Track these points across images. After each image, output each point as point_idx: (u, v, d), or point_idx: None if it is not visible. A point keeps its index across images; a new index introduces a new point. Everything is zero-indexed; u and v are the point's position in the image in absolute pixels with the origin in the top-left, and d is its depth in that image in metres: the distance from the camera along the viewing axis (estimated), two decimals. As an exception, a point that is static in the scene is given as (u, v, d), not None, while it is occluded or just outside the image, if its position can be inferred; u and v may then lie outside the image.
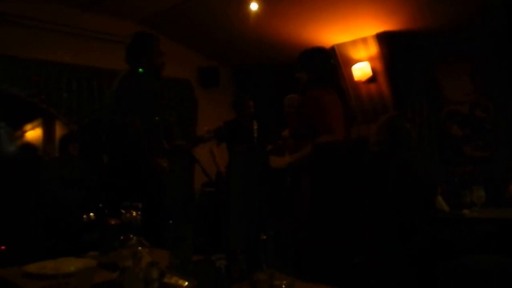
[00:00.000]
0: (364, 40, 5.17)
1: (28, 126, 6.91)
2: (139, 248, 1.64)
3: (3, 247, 3.28)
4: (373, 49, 5.17)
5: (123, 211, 1.87)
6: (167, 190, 3.71)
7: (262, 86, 6.38)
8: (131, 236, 1.78)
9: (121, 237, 1.78)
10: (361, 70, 5.27)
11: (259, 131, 4.65)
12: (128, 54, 3.02)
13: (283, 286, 1.47)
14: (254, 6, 4.75)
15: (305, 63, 2.85)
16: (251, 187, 2.63)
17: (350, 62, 5.33)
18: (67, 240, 3.72)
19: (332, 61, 2.86)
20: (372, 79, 5.28)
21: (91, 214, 3.84)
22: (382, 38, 5.08)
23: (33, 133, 6.82)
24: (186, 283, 1.48)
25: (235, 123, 4.67)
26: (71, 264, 1.77)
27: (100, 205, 3.79)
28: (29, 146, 5.68)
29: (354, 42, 5.24)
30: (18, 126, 6.81)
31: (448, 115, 5.29)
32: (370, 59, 5.23)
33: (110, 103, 3.02)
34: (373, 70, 5.24)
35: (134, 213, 1.88)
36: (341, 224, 2.11)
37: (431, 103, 5.34)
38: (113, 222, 2.02)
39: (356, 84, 5.37)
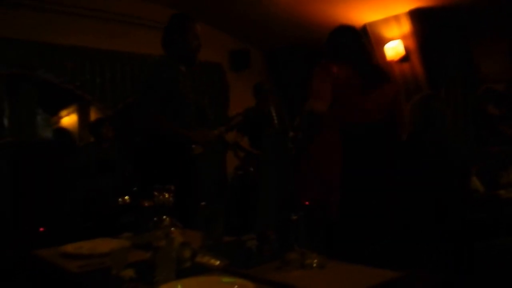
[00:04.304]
0: (396, 18, 5.05)
1: (63, 112, 7.10)
2: (172, 229, 1.67)
3: (42, 229, 3.41)
4: (406, 27, 5.04)
5: (156, 193, 1.90)
6: (201, 173, 3.75)
7: (293, 68, 6.33)
8: (164, 217, 1.81)
9: (155, 219, 1.81)
10: (394, 49, 5.15)
11: (281, 116, 4.65)
12: (163, 37, 2.96)
13: (315, 265, 1.47)
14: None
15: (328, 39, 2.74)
16: (282, 168, 2.63)
17: (382, 41, 5.22)
18: (103, 222, 3.82)
19: (360, 40, 2.73)
20: (405, 58, 5.16)
21: (126, 197, 3.93)
22: (415, 15, 4.94)
23: (68, 119, 7.01)
24: (218, 262, 1.50)
25: (256, 110, 4.68)
26: (106, 245, 1.83)
27: (134, 188, 3.88)
28: (64, 132, 5.83)
29: (386, 20, 5.13)
30: (54, 112, 7.00)
31: (484, 93, 5.14)
32: (403, 38, 5.10)
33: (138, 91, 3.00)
34: (406, 48, 5.12)
35: (167, 195, 1.91)
36: (373, 203, 2.10)
37: (467, 81, 5.20)
38: (147, 204, 2.06)
39: (388, 64, 5.27)
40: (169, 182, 1.96)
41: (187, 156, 2.86)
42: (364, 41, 2.70)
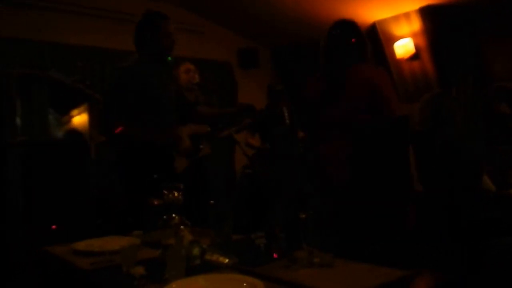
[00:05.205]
0: (406, 15, 5.02)
1: (74, 112, 7.13)
2: (181, 227, 1.68)
3: (53, 227, 3.44)
4: (416, 24, 5.01)
5: (165, 192, 1.91)
6: (209, 171, 3.76)
7: (302, 66, 6.33)
8: (174, 215, 1.83)
9: (164, 217, 1.83)
10: (404, 47, 5.12)
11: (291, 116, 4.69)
12: (135, 36, 2.90)
13: (322, 263, 1.48)
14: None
15: None
16: (291, 167, 2.63)
17: (392, 39, 5.19)
18: (114, 220, 3.84)
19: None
20: (415, 56, 5.13)
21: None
22: (426, 13, 4.91)
23: (79, 118, 7.04)
24: (227, 260, 1.51)
25: (268, 110, 4.72)
26: (117, 242, 1.85)
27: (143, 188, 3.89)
28: (76, 131, 5.87)
29: (396, 18, 5.10)
30: (65, 111, 7.04)
31: (495, 92, 5.08)
32: (413, 35, 5.07)
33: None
34: (416, 46, 5.08)
35: (176, 194, 1.92)
36: (382, 202, 2.09)
37: (478, 80, 5.15)
38: (156, 203, 2.07)
39: (398, 62, 5.24)
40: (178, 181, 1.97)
41: (169, 158, 2.81)
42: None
